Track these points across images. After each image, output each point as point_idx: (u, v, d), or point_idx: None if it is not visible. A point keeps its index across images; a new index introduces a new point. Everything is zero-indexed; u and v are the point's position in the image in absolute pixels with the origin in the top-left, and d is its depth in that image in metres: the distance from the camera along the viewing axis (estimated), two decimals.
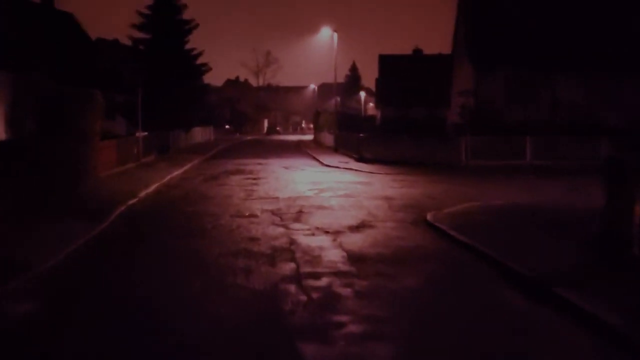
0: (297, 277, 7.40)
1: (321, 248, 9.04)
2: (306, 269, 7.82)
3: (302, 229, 10.61)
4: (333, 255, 8.63)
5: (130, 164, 22.89)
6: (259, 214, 12.42)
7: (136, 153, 24.44)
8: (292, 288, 6.94)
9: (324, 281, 7.24)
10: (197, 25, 39.08)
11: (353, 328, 5.66)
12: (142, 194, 15.29)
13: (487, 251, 8.55)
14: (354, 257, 8.46)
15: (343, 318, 5.91)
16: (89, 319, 6.05)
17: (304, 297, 6.56)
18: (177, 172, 21.59)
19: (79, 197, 14.04)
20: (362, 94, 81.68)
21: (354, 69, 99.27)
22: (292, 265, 8.02)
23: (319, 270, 7.76)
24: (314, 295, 6.66)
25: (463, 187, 17.25)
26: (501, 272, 7.70)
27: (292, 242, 9.51)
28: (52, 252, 8.56)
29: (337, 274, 7.58)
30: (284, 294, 6.71)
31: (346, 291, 6.83)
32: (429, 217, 11.74)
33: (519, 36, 33.05)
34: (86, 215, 11.54)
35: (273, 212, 12.52)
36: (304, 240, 9.65)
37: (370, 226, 10.99)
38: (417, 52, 60.87)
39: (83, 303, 6.59)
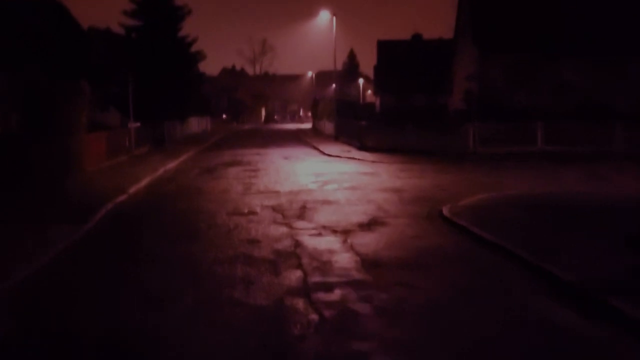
0: (305, 289, 6.36)
1: (330, 251, 7.98)
2: (315, 278, 6.78)
3: (307, 228, 9.55)
4: (344, 260, 7.58)
5: (121, 157, 21.79)
6: (258, 210, 11.36)
7: (128, 145, 23.32)
8: (300, 304, 5.89)
9: (337, 294, 6.20)
10: (190, 11, 37.75)
11: None
12: (132, 189, 14.22)
13: (519, 252, 7.51)
14: (368, 262, 7.42)
15: (364, 345, 4.86)
16: (55, 351, 5.01)
17: (315, 316, 5.52)
18: (171, 165, 20.51)
19: (63, 194, 12.95)
20: (361, 81, 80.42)
21: (351, 56, 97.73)
22: (299, 273, 6.97)
23: (330, 279, 6.72)
24: (327, 313, 5.62)
25: (474, 176, 16.23)
26: (539, 278, 6.67)
27: (297, 244, 8.45)
28: (24, 261, 7.51)
29: (352, 284, 6.54)
30: (291, 312, 5.67)
31: (364, 307, 5.78)
32: (445, 211, 10.70)
33: (524, 19, 31.92)
34: (69, 216, 10.48)
35: (274, 209, 11.46)
36: (310, 242, 8.59)
37: (382, 223, 9.94)
38: (417, 37, 59.38)
39: (51, 329, 5.53)
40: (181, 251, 8.29)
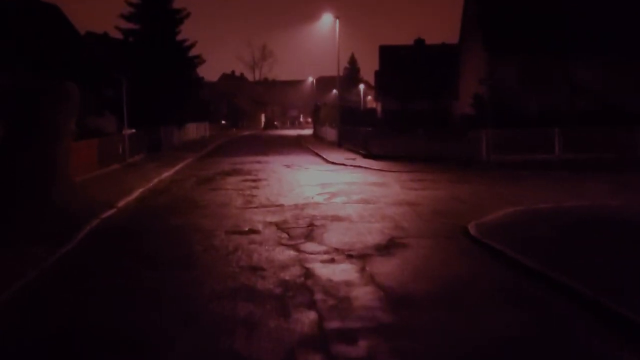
0: (322, 339, 5.10)
1: (348, 284, 6.72)
2: (333, 322, 5.52)
3: (318, 252, 8.29)
4: (366, 295, 6.31)
5: (114, 165, 20.54)
6: (260, 228, 10.11)
7: (122, 153, 22.08)
8: None
9: (362, 346, 4.94)
10: (188, 14, 36.62)
11: None
12: (122, 203, 12.97)
13: (579, 288, 6.22)
14: (395, 299, 6.16)
15: None
16: None
17: None
18: (166, 174, 19.26)
19: (43, 209, 11.66)
20: (362, 87, 79.39)
21: (352, 61, 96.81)
22: (312, 315, 5.71)
23: (352, 324, 5.46)
24: None
25: (493, 187, 15.00)
26: (609, 322, 5.42)
27: (308, 273, 7.19)
28: None
29: (379, 330, 5.29)
30: None
31: None
32: (471, 230, 9.46)
33: (533, 20, 30.87)
34: (46, 235, 9.24)
35: (278, 226, 10.20)
36: (322, 270, 7.32)
37: (403, 245, 8.70)
38: (419, 42, 58.49)
39: None
40: (171, 283, 7.02)
